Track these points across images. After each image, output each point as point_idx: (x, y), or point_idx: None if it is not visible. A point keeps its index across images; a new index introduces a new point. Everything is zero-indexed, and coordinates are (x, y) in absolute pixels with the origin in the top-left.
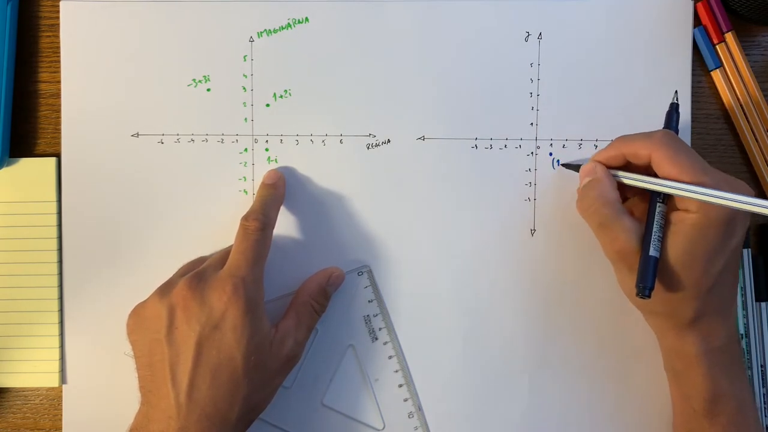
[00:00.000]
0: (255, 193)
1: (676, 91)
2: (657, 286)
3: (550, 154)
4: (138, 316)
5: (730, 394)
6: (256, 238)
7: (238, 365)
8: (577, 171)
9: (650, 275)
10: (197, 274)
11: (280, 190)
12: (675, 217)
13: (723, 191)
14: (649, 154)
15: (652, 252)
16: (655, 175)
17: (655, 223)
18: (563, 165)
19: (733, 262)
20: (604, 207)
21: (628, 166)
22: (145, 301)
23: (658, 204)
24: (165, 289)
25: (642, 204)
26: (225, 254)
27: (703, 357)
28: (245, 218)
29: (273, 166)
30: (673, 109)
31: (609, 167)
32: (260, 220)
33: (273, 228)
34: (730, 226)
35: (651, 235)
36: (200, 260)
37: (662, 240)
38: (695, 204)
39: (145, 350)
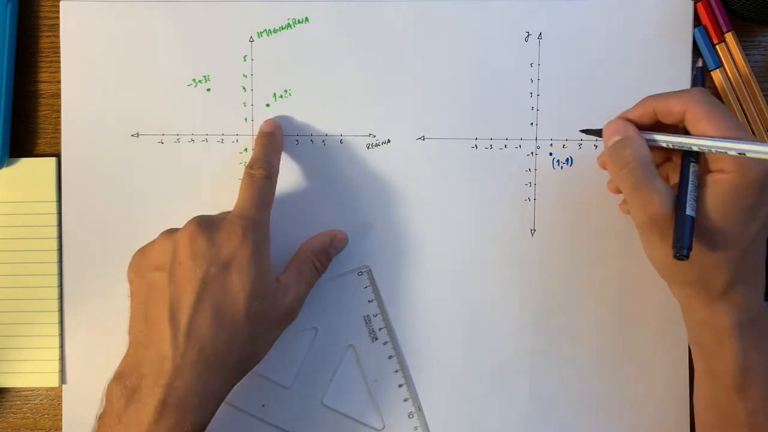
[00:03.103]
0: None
1: (701, 58)
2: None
3: (550, 154)
4: (142, 251)
5: (760, 367)
6: (262, 185)
7: (241, 308)
8: (599, 135)
9: (688, 235)
10: (206, 216)
11: (279, 137)
12: (709, 178)
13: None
14: (683, 111)
15: (688, 211)
16: (687, 134)
17: (690, 182)
18: (582, 131)
19: (766, 228)
20: (639, 168)
21: (655, 127)
22: (152, 241)
23: (691, 164)
24: (173, 229)
25: (668, 172)
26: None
27: (735, 329)
28: (250, 167)
29: None
30: (699, 73)
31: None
32: (265, 168)
33: (277, 177)
34: (766, 187)
35: (686, 195)
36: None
37: (697, 201)
38: (731, 164)
39: (144, 286)
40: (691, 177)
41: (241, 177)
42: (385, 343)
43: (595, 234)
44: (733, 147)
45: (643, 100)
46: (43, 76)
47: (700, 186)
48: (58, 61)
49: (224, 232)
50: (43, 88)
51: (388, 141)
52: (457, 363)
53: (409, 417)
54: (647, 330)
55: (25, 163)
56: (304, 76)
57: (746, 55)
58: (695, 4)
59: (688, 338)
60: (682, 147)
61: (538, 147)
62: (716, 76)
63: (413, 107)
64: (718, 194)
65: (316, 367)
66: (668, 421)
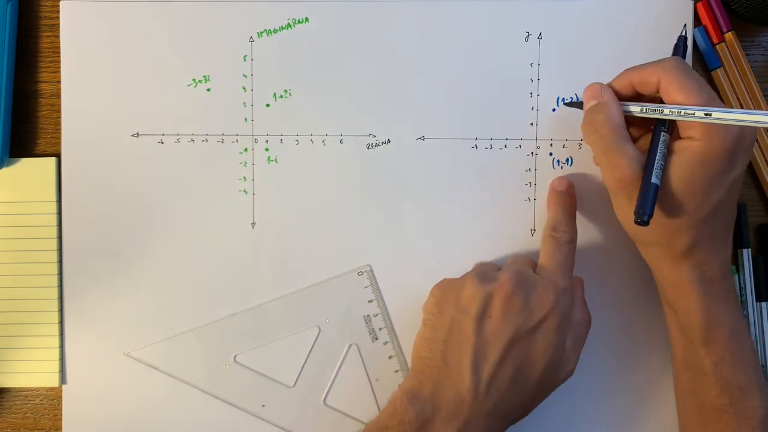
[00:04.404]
0: (255, 193)
1: (685, 25)
2: (655, 213)
3: (550, 154)
4: (451, 288)
5: (724, 321)
6: (568, 250)
7: (537, 372)
8: (581, 108)
9: (650, 202)
10: (520, 272)
11: (574, 197)
12: (678, 145)
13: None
14: (657, 80)
15: (653, 179)
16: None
17: (658, 151)
18: (566, 104)
19: (732, 194)
20: (610, 132)
21: (636, 99)
22: (461, 279)
23: (662, 133)
24: (485, 276)
25: (646, 141)
26: (528, 261)
27: (697, 284)
28: (554, 229)
29: (273, 166)
30: (681, 42)
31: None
32: (569, 231)
33: (576, 240)
34: (732, 156)
35: (653, 164)
36: (491, 265)
37: (664, 169)
38: (699, 131)
39: (445, 325)
40: (660, 146)
41: (240, 178)
42: (386, 342)
43: (595, 234)
44: (700, 110)
45: (622, 71)
46: (43, 76)
47: (668, 153)
48: (58, 61)
49: (539, 297)
50: (43, 88)
51: (388, 141)
52: None
53: None
54: (648, 328)
55: (25, 163)
56: (304, 76)
57: (746, 55)
58: (695, 4)
59: (660, 297)
60: (654, 114)
61: (538, 147)
62: (716, 76)
63: (413, 107)
64: (684, 161)
65: (318, 367)
66: (669, 419)
